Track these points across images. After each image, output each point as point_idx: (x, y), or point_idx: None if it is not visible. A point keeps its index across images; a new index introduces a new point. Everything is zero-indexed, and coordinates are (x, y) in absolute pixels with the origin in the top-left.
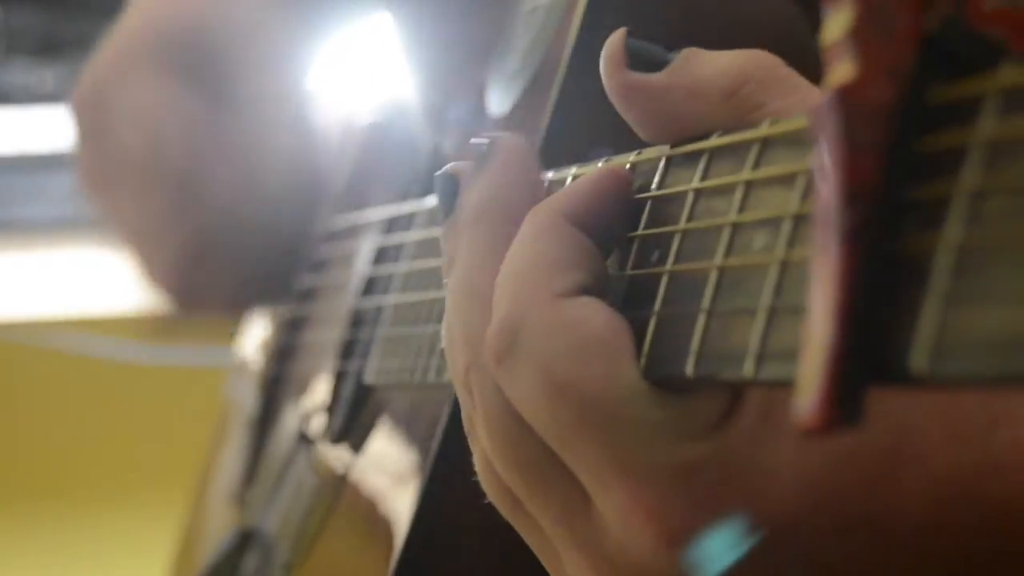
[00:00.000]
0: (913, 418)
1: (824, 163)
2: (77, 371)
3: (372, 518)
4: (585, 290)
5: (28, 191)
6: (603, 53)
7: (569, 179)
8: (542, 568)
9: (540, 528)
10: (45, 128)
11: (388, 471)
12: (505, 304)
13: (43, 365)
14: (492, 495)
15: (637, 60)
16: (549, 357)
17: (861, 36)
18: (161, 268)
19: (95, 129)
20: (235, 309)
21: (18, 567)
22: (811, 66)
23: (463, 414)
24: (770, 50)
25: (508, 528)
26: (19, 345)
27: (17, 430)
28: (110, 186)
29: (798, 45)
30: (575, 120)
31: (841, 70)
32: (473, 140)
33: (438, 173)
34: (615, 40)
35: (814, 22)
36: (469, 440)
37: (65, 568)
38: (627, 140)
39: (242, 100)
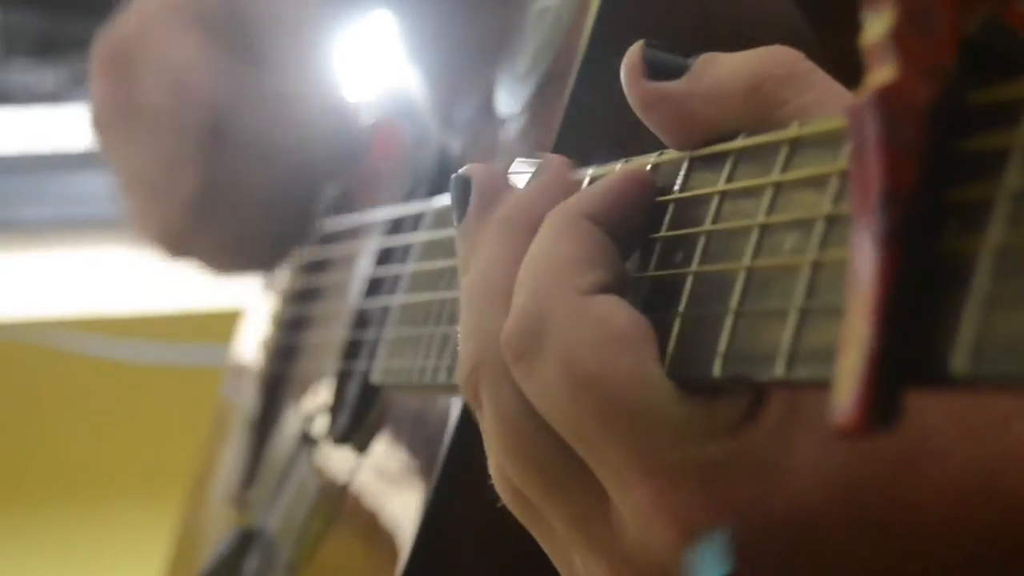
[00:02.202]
0: (930, 415)
1: (864, 164)
2: (78, 371)
3: (377, 519)
4: (606, 289)
5: (28, 191)
6: (623, 65)
7: (587, 180)
8: (552, 572)
9: (554, 530)
10: (45, 128)
11: (394, 472)
12: (525, 299)
13: (43, 365)
14: (505, 498)
15: (656, 70)
16: (574, 351)
17: (901, 37)
18: (163, 213)
19: (118, 76)
20: (225, 266)
21: (17, 566)
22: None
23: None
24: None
25: (517, 532)
26: (19, 345)
27: (17, 430)
28: (126, 128)
29: (808, 45)
30: (587, 122)
31: (881, 71)
32: (518, 162)
33: (453, 176)
34: (633, 52)
35: (816, 22)
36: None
37: (64, 567)
38: (639, 142)
39: (270, 63)
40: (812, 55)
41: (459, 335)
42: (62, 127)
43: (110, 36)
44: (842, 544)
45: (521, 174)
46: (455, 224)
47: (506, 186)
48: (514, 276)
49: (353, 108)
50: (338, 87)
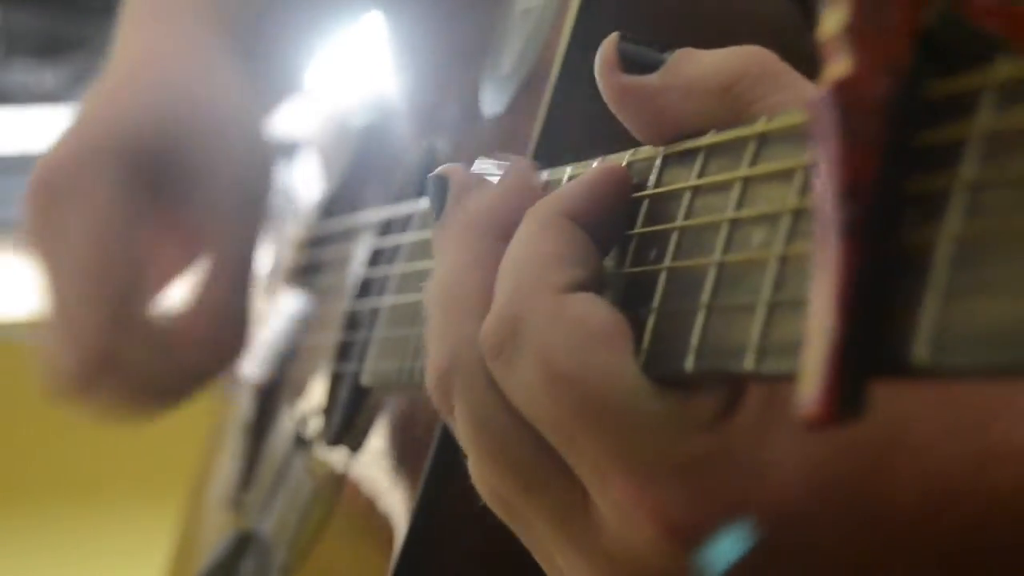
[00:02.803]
0: (912, 409)
1: (823, 158)
2: None
3: (370, 519)
4: (584, 287)
5: None
6: (597, 58)
7: (565, 179)
8: (542, 570)
9: (535, 528)
10: (45, 128)
11: (386, 472)
12: (504, 297)
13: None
14: (487, 498)
15: (631, 63)
16: (551, 348)
17: (858, 31)
18: (64, 357)
19: (43, 210)
20: (131, 412)
21: (17, 566)
22: (807, 60)
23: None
24: (766, 45)
25: (507, 530)
26: (19, 345)
27: (17, 430)
28: (44, 261)
29: (793, 39)
30: (570, 121)
31: (838, 65)
32: (480, 161)
33: (429, 176)
34: (608, 45)
35: (809, 16)
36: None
37: (63, 567)
38: (621, 140)
39: (197, 207)
40: (799, 53)
41: (425, 340)
42: (62, 127)
43: (45, 162)
44: (824, 537)
45: (487, 175)
46: (433, 224)
47: (482, 187)
48: (478, 280)
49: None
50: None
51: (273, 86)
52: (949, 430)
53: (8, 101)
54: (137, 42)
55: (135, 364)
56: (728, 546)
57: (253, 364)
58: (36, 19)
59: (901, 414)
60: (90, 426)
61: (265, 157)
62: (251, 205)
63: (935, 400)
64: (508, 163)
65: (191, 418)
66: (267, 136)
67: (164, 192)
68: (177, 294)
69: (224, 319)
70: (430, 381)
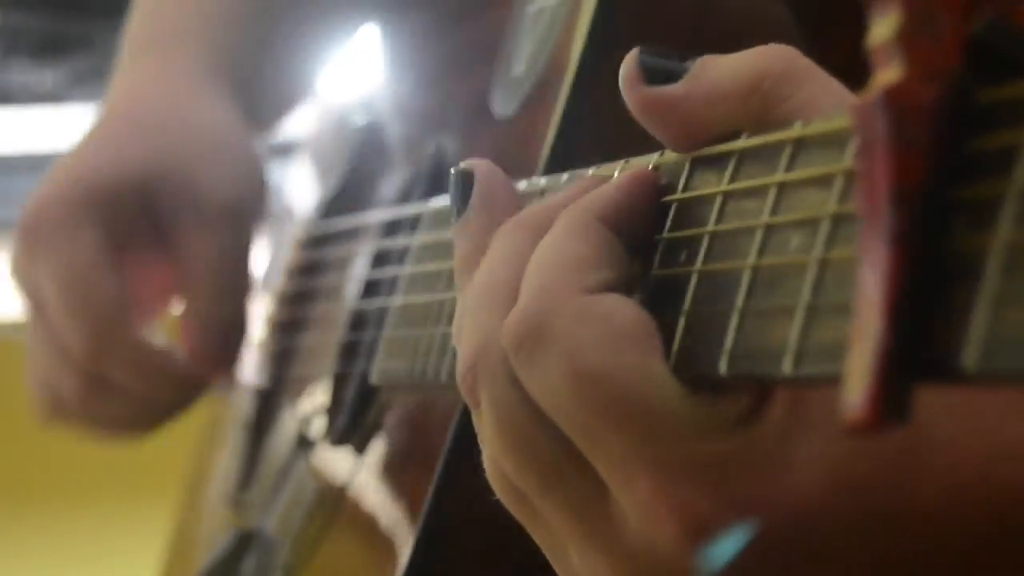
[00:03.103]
0: (930, 409)
1: (871, 164)
2: None
3: (375, 520)
4: (612, 288)
5: (28, 191)
6: (620, 74)
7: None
8: (553, 572)
9: (550, 526)
10: (45, 128)
11: (392, 473)
12: (530, 295)
13: None
14: (501, 494)
15: (654, 75)
16: (578, 346)
17: (908, 38)
18: (54, 387)
19: (26, 249)
20: (127, 432)
21: (17, 566)
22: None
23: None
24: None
25: (520, 532)
26: (19, 345)
27: (17, 430)
28: (33, 307)
29: (794, 42)
30: (585, 122)
31: (888, 72)
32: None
33: (453, 169)
34: (629, 60)
35: (806, 22)
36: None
37: (63, 567)
38: (636, 143)
39: (176, 253)
40: (810, 56)
41: (457, 331)
42: (62, 127)
43: (32, 203)
44: (847, 537)
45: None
46: (454, 219)
47: (506, 184)
48: (511, 275)
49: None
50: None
51: (270, 115)
52: (965, 427)
53: (8, 101)
54: (133, 79)
55: (126, 386)
56: (750, 546)
57: (251, 366)
58: (36, 19)
59: (921, 415)
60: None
61: (258, 182)
62: (242, 226)
63: (951, 400)
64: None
65: (191, 418)
66: (260, 163)
67: (149, 228)
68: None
69: (216, 329)
70: (459, 373)
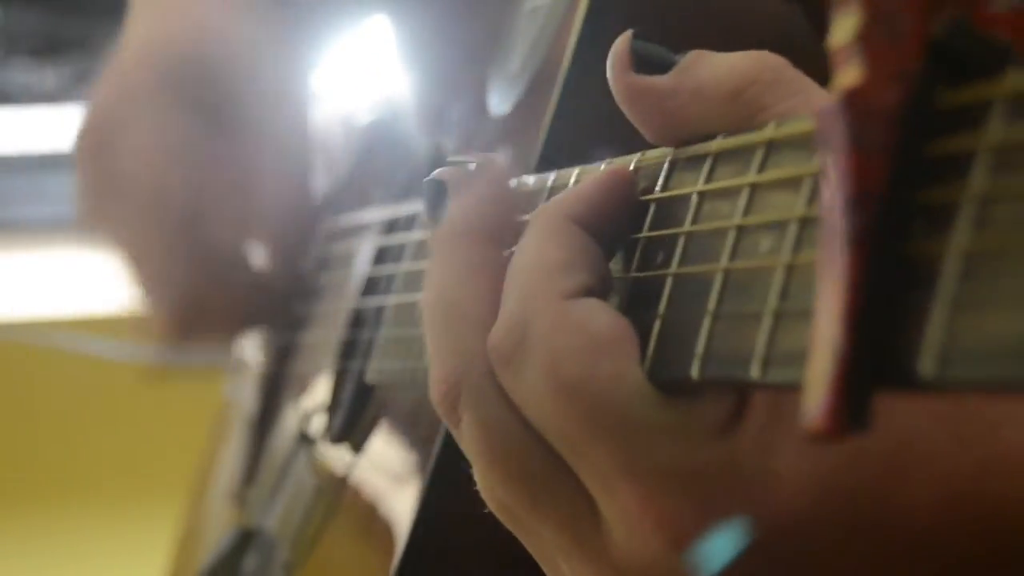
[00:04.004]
0: (918, 421)
1: (831, 166)
2: (77, 371)
3: (373, 518)
4: (590, 291)
5: (28, 191)
6: (609, 56)
7: (572, 180)
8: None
9: (541, 535)
10: (45, 128)
11: (389, 471)
12: (511, 305)
13: (43, 365)
14: (492, 508)
15: (643, 63)
16: (555, 356)
17: (868, 40)
18: (161, 304)
19: (100, 170)
20: (230, 339)
21: (17, 566)
22: (814, 66)
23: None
24: (775, 45)
25: (511, 531)
26: (19, 345)
27: (17, 430)
28: (116, 225)
29: (800, 45)
30: (577, 120)
31: (848, 74)
32: (452, 159)
33: (425, 179)
34: (621, 43)
35: (816, 22)
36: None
37: (64, 567)
38: (629, 141)
39: (246, 126)
40: (805, 54)
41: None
42: (62, 127)
43: (87, 118)
44: (832, 547)
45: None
46: (429, 227)
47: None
48: (476, 289)
49: (323, 142)
50: (309, 133)
51: (306, 32)
52: (955, 439)
53: (8, 101)
54: None
55: (219, 289)
56: (734, 556)
57: (256, 355)
58: (36, 19)
59: (908, 426)
60: (90, 426)
61: (301, 90)
62: (296, 129)
63: (940, 412)
64: (478, 163)
65: (191, 418)
66: (302, 71)
67: (211, 115)
68: None
69: (290, 226)
70: (435, 394)
